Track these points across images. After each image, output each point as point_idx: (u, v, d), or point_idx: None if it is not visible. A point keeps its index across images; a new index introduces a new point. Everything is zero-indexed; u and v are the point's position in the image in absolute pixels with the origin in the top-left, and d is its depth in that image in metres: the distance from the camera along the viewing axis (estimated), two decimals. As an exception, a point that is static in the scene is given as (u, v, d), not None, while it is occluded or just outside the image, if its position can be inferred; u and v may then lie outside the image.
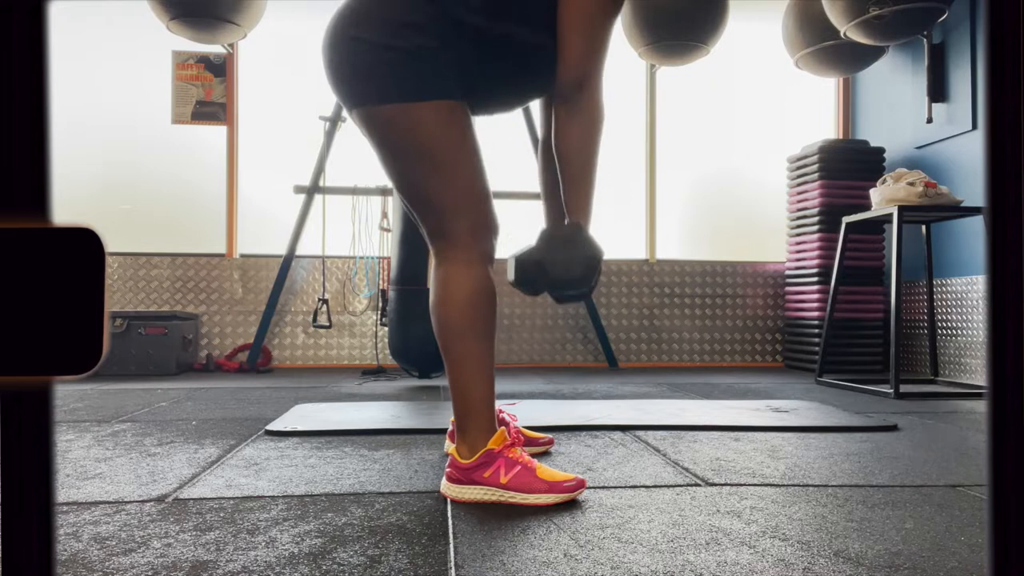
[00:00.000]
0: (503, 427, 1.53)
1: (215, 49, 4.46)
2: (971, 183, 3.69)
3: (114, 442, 1.99)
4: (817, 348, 4.10)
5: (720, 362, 4.77)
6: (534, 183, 4.01)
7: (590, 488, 1.51)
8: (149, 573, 1.03)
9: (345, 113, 4.13)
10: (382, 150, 1.48)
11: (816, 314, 4.25)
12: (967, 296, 3.70)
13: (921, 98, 3.98)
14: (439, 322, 1.49)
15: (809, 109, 4.94)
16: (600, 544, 1.16)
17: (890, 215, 3.23)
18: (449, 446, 1.82)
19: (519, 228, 4.29)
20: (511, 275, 1.49)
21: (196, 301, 4.41)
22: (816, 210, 4.25)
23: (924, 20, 3.50)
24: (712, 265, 4.77)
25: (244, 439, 2.04)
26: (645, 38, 4.16)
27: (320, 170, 4.14)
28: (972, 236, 3.70)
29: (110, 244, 4.06)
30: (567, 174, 1.50)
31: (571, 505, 1.39)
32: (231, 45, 4.47)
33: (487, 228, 1.50)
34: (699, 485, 1.54)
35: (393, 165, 1.49)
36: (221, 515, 1.31)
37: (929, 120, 3.89)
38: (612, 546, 1.15)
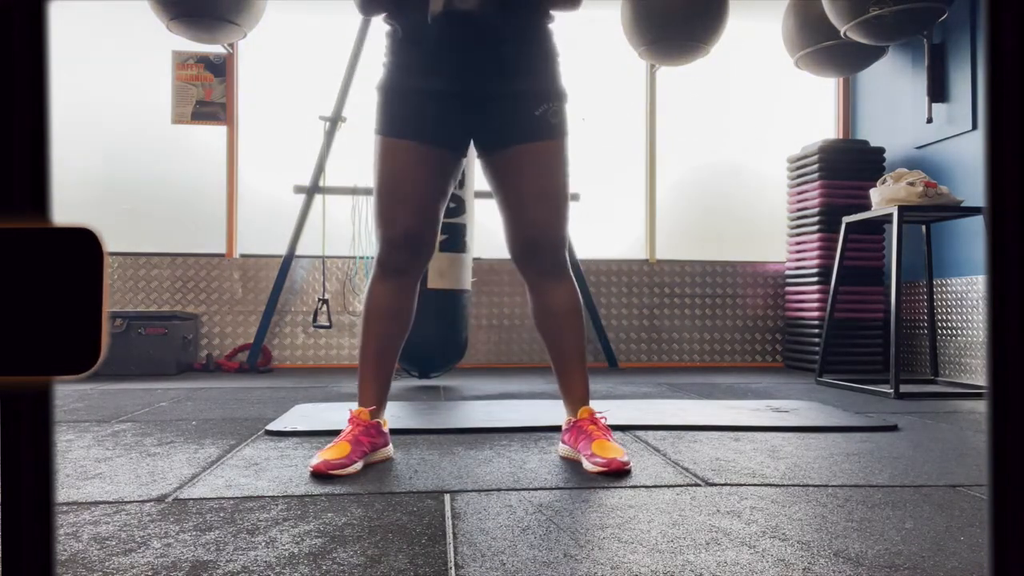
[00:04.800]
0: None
1: (215, 49, 4.46)
2: (971, 183, 3.68)
3: (114, 442, 1.99)
4: (817, 348, 4.10)
5: (720, 362, 4.77)
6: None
7: (590, 488, 1.51)
8: (149, 573, 1.03)
9: (345, 113, 4.13)
10: None
11: (816, 314, 4.25)
12: (967, 296, 3.70)
13: (921, 98, 3.98)
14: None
15: (809, 109, 4.94)
16: (600, 544, 1.16)
17: (890, 215, 3.23)
18: (563, 449, 1.83)
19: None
20: None
21: (196, 301, 4.41)
22: (816, 210, 4.25)
23: (924, 20, 3.50)
24: (712, 265, 4.77)
25: (244, 439, 2.04)
26: (645, 38, 4.16)
27: (320, 170, 4.14)
28: (972, 236, 3.70)
29: (110, 244, 4.06)
30: None
31: (571, 505, 1.39)
32: (231, 45, 4.46)
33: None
34: (699, 485, 1.54)
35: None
36: (221, 515, 1.31)
37: (929, 120, 3.88)
38: (612, 546, 1.15)
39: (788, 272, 4.61)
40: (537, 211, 1.73)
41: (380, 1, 1.76)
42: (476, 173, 3.47)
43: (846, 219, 3.58)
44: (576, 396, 1.83)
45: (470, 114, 1.73)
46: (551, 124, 1.73)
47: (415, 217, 1.73)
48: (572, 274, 1.83)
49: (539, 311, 1.84)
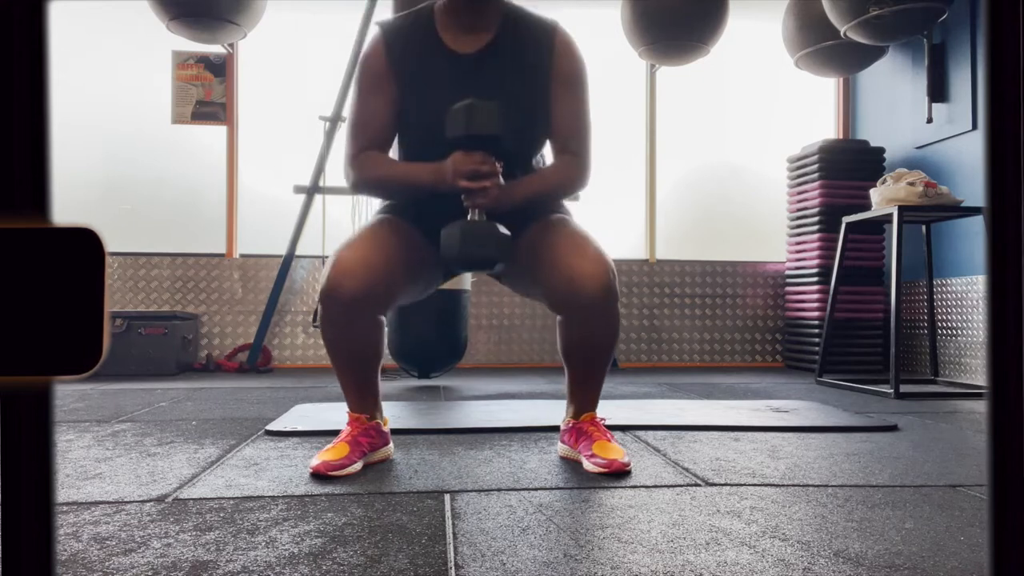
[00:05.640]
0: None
1: (215, 49, 4.46)
2: (971, 183, 3.69)
3: (114, 442, 1.99)
4: (817, 348, 4.10)
5: (720, 362, 4.77)
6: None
7: (590, 488, 1.51)
8: (149, 573, 1.03)
9: (345, 113, 4.13)
10: None
11: (816, 314, 4.25)
12: (967, 296, 3.70)
13: (921, 98, 3.98)
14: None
15: (809, 109, 4.94)
16: (600, 544, 1.16)
17: (890, 215, 3.23)
18: (563, 449, 1.83)
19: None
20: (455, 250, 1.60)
21: (196, 301, 4.41)
22: (816, 210, 4.25)
23: (924, 20, 3.50)
24: (712, 265, 4.77)
25: (244, 439, 2.04)
26: (645, 38, 4.16)
27: (320, 170, 4.14)
28: (972, 236, 3.70)
29: (110, 244, 4.06)
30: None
31: (571, 505, 1.39)
32: (231, 45, 4.47)
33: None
34: (699, 485, 1.54)
35: None
36: (221, 515, 1.31)
37: (929, 120, 3.89)
38: (612, 546, 1.15)
39: (788, 272, 4.61)
40: (568, 248, 1.62)
41: (379, 195, 1.83)
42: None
43: (846, 219, 3.58)
44: (585, 404, 1.80)
45: None
46: (557, 210, 1.82)
47: (373, 256, 1.58)
48: (618, 307, 1.67)
49: (569, 340, 1.71)
